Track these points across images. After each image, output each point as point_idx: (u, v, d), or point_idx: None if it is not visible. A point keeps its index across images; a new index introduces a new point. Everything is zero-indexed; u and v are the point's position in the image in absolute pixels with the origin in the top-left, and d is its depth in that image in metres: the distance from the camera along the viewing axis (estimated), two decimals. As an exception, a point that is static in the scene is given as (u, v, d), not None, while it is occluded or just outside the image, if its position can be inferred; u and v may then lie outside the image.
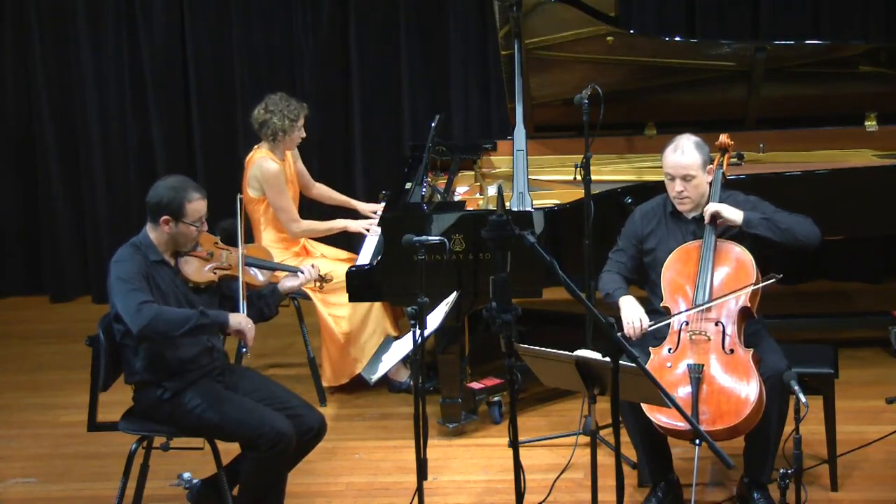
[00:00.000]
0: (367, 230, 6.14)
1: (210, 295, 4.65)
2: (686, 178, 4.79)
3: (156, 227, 4.53)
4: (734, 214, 4.77)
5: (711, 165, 4.86)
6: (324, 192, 6.55)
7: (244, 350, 4.58)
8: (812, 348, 5.06)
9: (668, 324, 4.70)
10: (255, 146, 6.22)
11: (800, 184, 5.93)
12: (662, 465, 4.76)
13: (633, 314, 4.74)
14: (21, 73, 7.94)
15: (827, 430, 4.90)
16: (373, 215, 6.39)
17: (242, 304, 4.61)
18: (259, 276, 4.83)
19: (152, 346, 4.47)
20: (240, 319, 4.52)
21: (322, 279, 5.01)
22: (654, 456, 4.73)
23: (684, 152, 4.80)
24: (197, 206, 4.52)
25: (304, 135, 6.19)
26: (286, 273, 4.99)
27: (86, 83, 7.86)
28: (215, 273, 4.63)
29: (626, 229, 5.03)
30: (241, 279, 4.64)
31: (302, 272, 4.88)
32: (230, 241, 4.80)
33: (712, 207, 4.77)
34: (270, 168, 6.04)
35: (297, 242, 6.20)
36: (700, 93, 6.47)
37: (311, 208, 6.53)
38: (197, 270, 4.60)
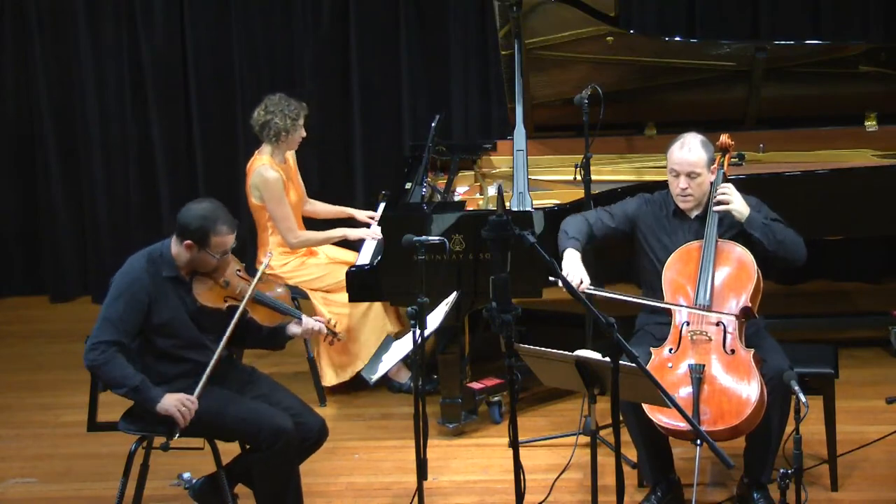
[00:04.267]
0: (368, 237, 6.10)
1: (217, 318, 4.60)
2: (691, 176, 4.80)
3: (179, 244, 4.52)
4: (743, 209, 4.79)
5: (714, 165, 4.87)
6: (317, 208, 6.48)
7: (175, 432, 4.39)
8: (812, 348, 5.06)
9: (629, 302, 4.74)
10: (256, 152, 6.19)
11: (800, 184, 5.93)
12: (663, 464, 4.76)
13: (576, 270, 4.74)
14: (21, 73, 7.94)
15: (827, 430, 4.90)
16: (371, 221, 6.36)
17: (203, 380, 4.45)
18: (259, 316, 4.68)
19: (151, 354, 4.49)
20: (167, 406, 4.37)
21: (334, 335, 4.84)
22: (654, 456, 4.73)
23: (691, 149, 4.81)
24: (223, 240, 4.49)
25: (304, 134, 6.16)
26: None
27: (86, 83, 7.86)
28: (225, 301, 4.59)
29: (624, 204, 5.04)
30: (234, 321, 4.52)
31: (310, 321, 4.71)
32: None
33: (729, 198, 4.77)
34: (269, 177, 6.00)
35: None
36: (700, 93, 6.47)
37: (307, 221, 6.48)
38: (207, 294, 4.56)
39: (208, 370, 4.47)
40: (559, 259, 4.79)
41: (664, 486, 4.74)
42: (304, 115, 6.11)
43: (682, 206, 4.87)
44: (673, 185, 4.87)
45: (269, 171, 6.02)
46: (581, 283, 4.71)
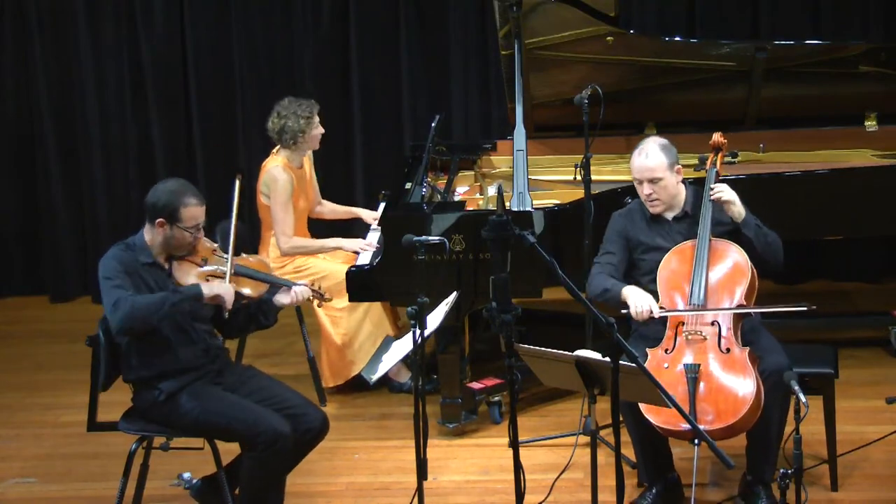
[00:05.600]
0: (362, 249, 6.07)
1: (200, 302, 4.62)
2: (653, 181, 4.83)
3: (152, 228, 4.53)
4: (740, 210, 4.79)
5: (679, 166, 4.88)
6: (325, 209, 6.49)
7: (225, 315, 4.54)
8: (812, 348, 5.06)
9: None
10: (273, 151, 6.19)
11: (800, 184, 5.93)
12: (660, 464, 4.76)
13: (641, 300, 4.68)
14: (21, 73, 7.94)
15: (827, 430, 4.90)
16: (372, 220, 6.35)
17: (228, 272, 4.56)
18: (245, 289, 4.66)
19: (144, 344, 4.48)
20: (212, 289, 4.46)
21: (321, 297, 4.86)
22: (650, 455, 4.73)
23: (648, 155, 4.83)
24: (193, 211, 4.50)
25: (322, 130, 6.16)
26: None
27: (86, 83, 7.87)
28: (208, 280, 4.57)
29: (612, 232, 5.01)
30: (230, 243, 4.60)
31: (296, 286, 4.73)
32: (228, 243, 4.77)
33: (728, 195, 4.78)
34: (279, 178, 6.02)
35: None
36: (700, 93, 6.47)
37: (316, 222, 6.49)
38: (188, 275, 4.55)
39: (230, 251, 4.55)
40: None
41: (661, 486, 4.74)
42: (316, 111, 6.12)
43: (652, 210, 4.90)
44: (639, 192, 4.91)
45: (280, 173, 6.04)
46: (651, 310, 4.66)
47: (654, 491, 4.74)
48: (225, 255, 4.65)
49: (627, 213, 5.03)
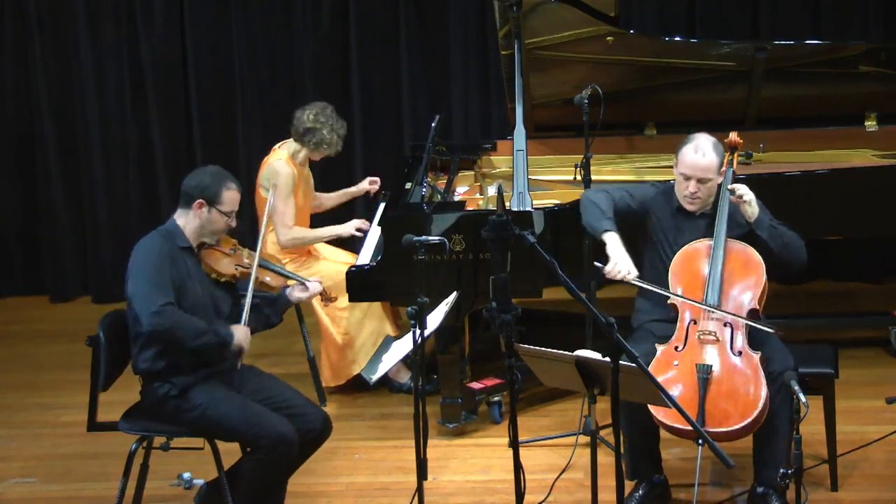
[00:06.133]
0: (358, 230, 6.10)
1: (226, 292, 4.66)
2: (702, 181, 4.78)
3: (187, 212, 4.54)
4: (753, 210, 4.77)
5: (723, 168, 4.86)
6: (324, 199, 6.52)
7: (239, 363, 4.60)
8: (812, 348, 5.06)
9: (663, 296, 4.70)
10: (276, 147, 6.21)
11: (800, 184, 5.93)
12: (649, 467, 4.76)
13: (624, 260, 4.70)
14: (21, 73, 7.94)
15: (827, 430, 4.90)
16: (369, 186, 6.43)
17: (246, 310, 4.61)
18: (269, 279, 4.84)
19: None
20: (240, 340, 4.54)
21: (328, 298, 4.98)
22: (637, 455, 4.73)
23: (705, 154, 4.77)
24: (233, 195, 4.56)
25: (333, 154, 6.24)
26: (295, 283, 4.95)
27: (86, 83, 7.87)
28: (237, 269, 4.66)
29: (642, 189, 5.01)
30: (251, 284, 4.64)
31: (309, 282, 4.85)
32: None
33: (747, 194, 4.76)
34: (282, 171, 6.03)
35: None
36: (700, 93, 6.47)
37: (315, 216, 6.49)
38: (220, 262, 4.64)
39: (248, 302, 4.59)
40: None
41: (646, 486, 4.74)
42: (344, 136, 6.19)
43: (688, 208, 4.85)
44: (681, 187, 4.83)
45: (284, 167, 6.06)
46: (629, 273, 4.67)
47: (640, 492, 4.74)
48: (247, 250, 4.76)
49: (666, 191, 4.95)
